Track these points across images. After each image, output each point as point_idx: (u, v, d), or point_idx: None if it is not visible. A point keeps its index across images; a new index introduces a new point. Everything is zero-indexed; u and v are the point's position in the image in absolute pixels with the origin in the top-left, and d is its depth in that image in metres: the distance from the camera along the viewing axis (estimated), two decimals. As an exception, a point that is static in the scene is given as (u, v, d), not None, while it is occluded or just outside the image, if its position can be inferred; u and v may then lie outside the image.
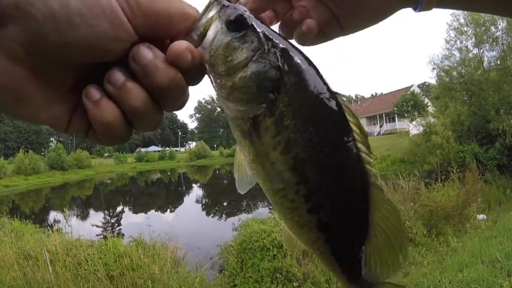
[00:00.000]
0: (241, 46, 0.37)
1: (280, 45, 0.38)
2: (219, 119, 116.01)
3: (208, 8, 0.39)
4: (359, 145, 0.41)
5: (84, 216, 17.53)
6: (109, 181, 39.39)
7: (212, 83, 0.40)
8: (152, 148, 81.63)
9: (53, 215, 17.76)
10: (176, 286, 4.22)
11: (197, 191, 26.48)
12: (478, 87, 16.69)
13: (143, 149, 71.13)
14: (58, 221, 14.17)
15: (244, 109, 0.39)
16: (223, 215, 15.27)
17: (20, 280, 4.37)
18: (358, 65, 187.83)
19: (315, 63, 0.40)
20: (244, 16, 0.38)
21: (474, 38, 17.71)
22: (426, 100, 38.03)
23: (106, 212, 19.00)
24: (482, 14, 16.92)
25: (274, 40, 0.39)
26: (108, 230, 11.39)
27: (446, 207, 6.51)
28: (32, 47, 0.33)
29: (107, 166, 53.14)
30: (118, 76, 0.36)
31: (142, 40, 0.36)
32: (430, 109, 28.93)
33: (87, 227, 9.35)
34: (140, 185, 32.04)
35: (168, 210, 18.05)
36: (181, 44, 0.36)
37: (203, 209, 17.58)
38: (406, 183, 7.45)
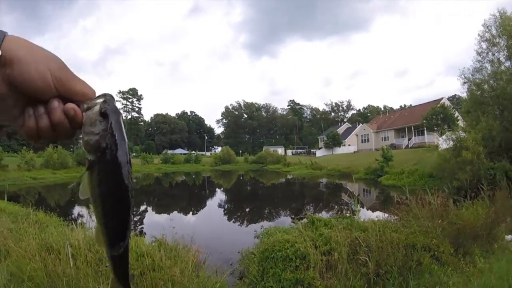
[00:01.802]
0: (99, 124, 0.61)
1: (112, 133, 0.62)
2: (245, 125, 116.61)
3: (99, 97, 0.63)
4: (129, 203, 0.65)
5: (108, 213, 17.82)
6: (134, 180, 39.85)
7: (81, 132, 0.63)
8: (179, 150, 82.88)
9: (77, 209, 18.09)
10: (196, 290, 4.19)
11: (220, 195, 26.57)
12: (510, 101, 16.04)
13: (169, 151, 72.17)
14: (82, 216, 14.42)
15: (86, 154, 0.63)
16: (245, 221, 15.21)
17: (41, 272, 4.40)
18: (386, 76, 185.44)
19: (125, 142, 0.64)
20: (107, 113, 0.61)
21: (506, 50, 17.11)
22: (456, 114, 36.96)
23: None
24: (515, 24, 16.51)
25: (113, 126, 0.62)
26: (131, 228, 11.54)
27: (475, 226, 6.27)
28: (7, 83, 0.58)
29: (134, 165, 53.81)
30: (41, 109, 0.62)
31: (59, 96, 0.61)
32: (461, 123, 28.19)
33: (110, 224, 9.47)
34: (164, 186, 32.45)
35: (191, 212, 18.14)
36: (72, 105, 0.62)
37: (225, 214, 17.57)
38: (434, 199, 7.22)
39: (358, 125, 71.34)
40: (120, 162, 0.61)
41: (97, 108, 0.61)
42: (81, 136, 0.62)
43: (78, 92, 0.61)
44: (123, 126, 0.64)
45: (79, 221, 8.90)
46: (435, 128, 38.22)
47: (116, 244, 0.65)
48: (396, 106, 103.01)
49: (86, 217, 10.40)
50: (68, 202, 21.58)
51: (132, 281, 0.73)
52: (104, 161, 0.61)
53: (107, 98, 0.62)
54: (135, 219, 16.31)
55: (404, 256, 5.08)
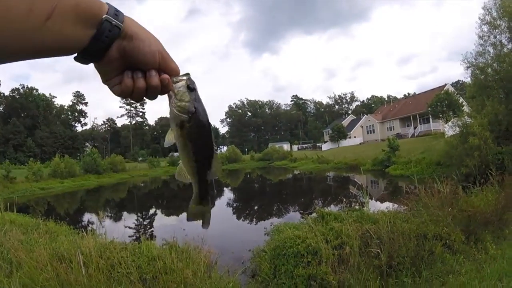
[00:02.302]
0: (186, 95, 0.80)
1: (197, 101, 0.82)
2: (250, 123, 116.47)
3: (184, 75, 0.81)
4: (213, 144, 0.87)
5: (117, 218, 17.90)
6: (142, 185, 40.25)
7: (170, 99, 0.81)
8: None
9: (87, 217, 18.21)
10: (209, 291, 4.18)
11: (228, 194, 26.59)
12: (515, 84, 15.85)
13: (175, 154, 72.43)
14: (92, 223, 14.51)
15: (179, 115, 0.81)
16: (254, 219, 15.20)
17: (53, 281, 4.41)
18: (389, 65, 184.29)
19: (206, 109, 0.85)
20: (192, 87, 0.81)
21: (508, 32, 16.87)
22: (461, 99, 36.62)
23: (139, 214, 19.34)
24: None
25: (196, 97, 0.82)
26: (141, 232, 11.57)
27: (485, 213, 6.21)
28: (121, 52, 0.70)
29: (141, 170, 54.37)
30: (148, 73, 0.75)
31: (158, 69, 0.75)
32: (466, 108, 27.96)
33: (121, 229, 9.52)
34: (173, 189, 32.50)
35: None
36: (167, 76, 0.77)
37: (234, 213, 17.58)
38: (443, 187, 7.16)
39: (363, 116, 71.04)
40: (205, 119, 0.84)
41: (184, 82, 0.81)
42: (172, 101, 0.81)
43: (173, 68, 0.78)
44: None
45: (89, 228, 8.92)
46: (440, 115, 37.95)
47: (205, 172, 0.88)
48: (400, 95, 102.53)
49: (96, 223, 10.47)
50: (77, 210, 21.69)
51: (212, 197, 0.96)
52: (194, 119, 0.82)
53: (189, 77, 0.83)
54: (144, 223, 16.40)
55: (416, 246, 5.05)
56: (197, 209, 0.94)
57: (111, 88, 0.75)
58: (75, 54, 0.69)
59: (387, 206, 10.37)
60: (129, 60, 0.72)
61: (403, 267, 4.76)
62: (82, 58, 0.69)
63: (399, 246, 4.99)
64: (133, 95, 0.76)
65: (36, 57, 0.65)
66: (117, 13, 0.69)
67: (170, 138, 0.85)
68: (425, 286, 4.47)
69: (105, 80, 0.75)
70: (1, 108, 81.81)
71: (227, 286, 4.42)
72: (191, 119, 0.81)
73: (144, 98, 0.79)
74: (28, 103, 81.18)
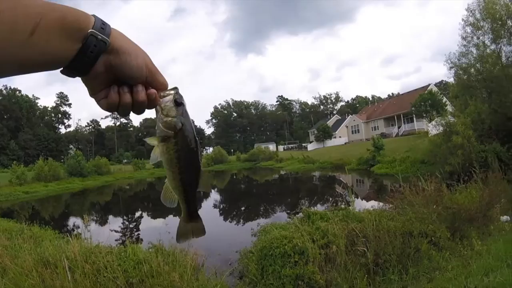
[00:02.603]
0: (173, 110, 0.79)
1: (184, 116, 0.81)
2: (236, 124, 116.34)
3: (171, 89, 0.81)
4: (199, 160, 0.86)
5: (103, 222, 17.68)
6: (127, 187, 39.84)
7: (157, 113, 0.80)
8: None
9: (72, 220, 17.95)
10: (196, 293, 4.17)
11: (214, 196, 26.46)
12: (497, 84, 16.04)
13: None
14: (78, 227, 14.32)
15: (165, 131, 0.80)
16: (241, 220, 15.19)
17: (39, 287, 4.36)
18: (373, 65, 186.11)
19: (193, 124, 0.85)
20: (180, 101, 0.80)
21: (491, 33, 17.14)
22: (444, 99, 37.24)
23: (125, 217, 19.15)
24: (497, 7, 16.58)
25: (184, 112, 0.81)
26: (127, 235, 11.44)
27: (470, 209, 6.32)
28: (107, 66, 0.69)
29: (126, 172, 53.78)
30: (134, 88, 0.75)
31: (145, 84, 0.75)
32: (449, 108, 28.40)
33: (106, 233, 9.37)
34: (158, 191, 31.93)
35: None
36: (154, 91, 0.76)
37: (221, 214, 17.53)
38: (428, 185, 7.26)
39: (348, 116, 71.55)
40: (192, 136, 0.83)
41: (171, 97, 0.80)
42: (158, 116, 0.80)
43: (160, 83, 0.78)
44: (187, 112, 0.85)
45: (75, 232, 8.80)
46: (424, 115, 38.50)
47: (192, 189, 0.87)
48: (384, 95, 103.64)
49: (82, 227, 10.33)
50: (62, 214, 21.36)
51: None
52: (180, 135, 0.81)
53: (178, 91, 0.82)
54: (130, 226, 16.24)
55: (401, 244, 5.12)
56: (188, 227, 0.93)
57: (97, 102, 0.75)
58: (61, 68, 0.68)
59: (372, 204, 10.48)
60: (115, 74, 0.71)
61: (390, 265, 4.82)
62: (68, 72, 0.68)
63: (385, 244, 5.04)
64: (119, 110, 0.75)
65: (21, 72, 0.65)
66: (103, 27, 0.67)
67: (156, 153, 0.84)
68: (412, 283, 4.54)
69: (91, 94, 0.74)
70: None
71: (214, 288, 4.42)
72: (178, 135, 0.81)
73: (134, 112, 0.78)
74: (12, 104, 79.81)
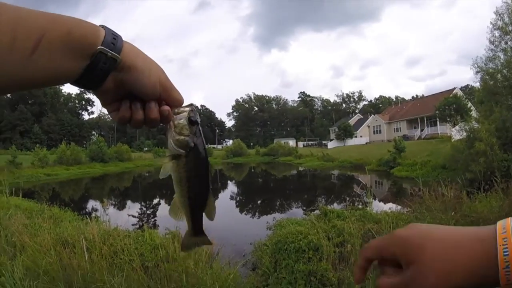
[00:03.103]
0: (186, 128, 0.76)
1: (197, 136, 0.78)
2: (256, 118, 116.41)
3: (186, 106, 0.77)
4: (209, 182, 0.84)
5: (121, 207, 18.01)
6: (147, 174, 40.45)
7: (169, 130, 0.77)
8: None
9: (91, 204, 18.33)
10: (210, 281, 4.19)
11: (232, 188, 26.63)
12: (524, 92, 15.75)
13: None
14: (96, 210, 14.61)
15: (177, 149, 0.77)
16: (257, 213, 15.24)
17: (56, 265, 4.43)
18: (398, 66, 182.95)
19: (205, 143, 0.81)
20: (194, 120, 0.77)
21: (519, 38, 16.76)
22: (470, 104, 36.33)
23: (143, 203, 19.46)
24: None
25: (197, 132, 0.78)
26: (144, 221, 11.65)
27: (488, 219, 6.18)
28: (117, 82, 0.64)
29: (146, 159, 54.57)
30: (147, 105, 0.71)
31: (158, 99, 0.71)
32: (474, 113, 27.78)
33: (124, 217, 9.54)
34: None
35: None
36: (168, 108, 0.72)
37: (237, 206, 17.65)
38: (447, 191, 7.14)
39: (370, 116, 70.68)
40: (203, 156, 0.81)
41: (185, 114, 0.77)
42: (170, 133, 0.78)
43: (175, 99, 0.74)
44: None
45: (93, 215, 8.98)
46: (448, 119, 37.74)
47: (198, 209, 0.85)
48: (408, 97, 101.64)
49: (100, 211, 10.54)
50: (82, 197, 21.82)
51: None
52: (192, 155, 0.79)
53: (193, 108, 0.79)
54: (148, 212, 16.49)
55: (417, 248, 5.05)
56: (192, 241, 0.91)
57: (109, 113, 0.72)
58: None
59: (390, 207, 10.37)
60: (127, 90, 0.67)
61: (404, 268, 4.77)
62: (76, 85, 0.64)
63: (400, 247, 4.99)
64: (131, 124, 0.72)
65: (22, 90, 0.61)
66: (114, 42, 0.61)
67: (167, 170, 0.81)
68: None
69: (103, 105, 0.71)
70: (8, 95, 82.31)
71: (227, 278, 4.44)
72: (189, 155, 0.79)
73: (147, 127, 0.76)
74: (36, 90, 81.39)
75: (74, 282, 4.21)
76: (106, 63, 0.60)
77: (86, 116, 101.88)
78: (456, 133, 21.65)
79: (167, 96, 0.72)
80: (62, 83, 0.63)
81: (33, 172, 31.48)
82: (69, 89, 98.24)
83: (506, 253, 0.47)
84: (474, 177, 13.91)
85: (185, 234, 0.90)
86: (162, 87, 0.69)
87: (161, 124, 0.76)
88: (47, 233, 5.32)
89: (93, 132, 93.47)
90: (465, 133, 18.12)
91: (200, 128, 0.81)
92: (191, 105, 0.79)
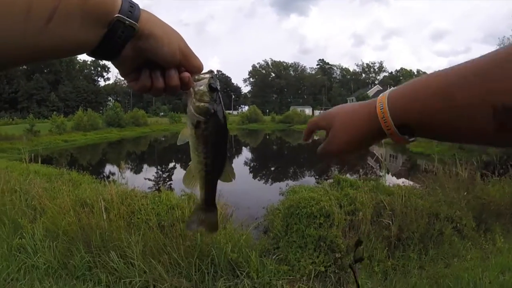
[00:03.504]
0: (207, 95, 0.76)
1: (217, 103, 0.78)
2: (273, 84, 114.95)
3: (207, 72, 0.77)
4: (226, 150, 0.84)
5: (138, 170, 18.38)
6: (163, 139, 40.96)
7: (189, 97, 0.77)
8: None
9: (109, 168, 18.74)
10: (223, 241, 4.32)
11: (246, 154, 26.81)
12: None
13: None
14: (114, 174, 14.97)
15: (197, 116, 0.77)
16: (270, 180, 15.42)
17: (75, 225, 4.61)
18: (422, 38, 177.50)
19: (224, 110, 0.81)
20: (214, 86, 0.77)
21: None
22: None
23: (159, 167, 19.79)
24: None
25: (217, 98, 0.78)
26: (160, 184, 11.88)
27: (499, 204, 6.13)
28: (136, 51, 0.64)
29: (162, 124, 55.02)
30: (167, 72, 0.71)
31: (178, 66, 0.71)
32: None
33: (141, 181, 9.77)
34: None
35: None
36: (188, 74, 0.72)
37: (251, 172, 17.84)
38: (462, 171, 7.10)
39: (390, 88, 69.28)
40: (222, 124, 0.80)
41: (206, 81, 0.76)
42: (190, 100, 0.78)
43: (195, 66, 0.73)
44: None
45: (111, 178, 9.20)
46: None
47: (214, 178, 0.84)
48: (430, 71, 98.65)
49: (117, 174, 10.79)
50: (99, 162, 22.27)
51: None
52: (211, 122, 0.78)
53: (213, 75, 0.78)
54: (164, 175, 16.79)
55: (426, 224, 5.09)
56: (201, 217, 0.89)
57: (128, 83, 0.72)
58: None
59: (403, 181, 10.37)
60: (146, 58, 0.67)
61: (411, 242, 4.82)
62: (93, 56, 0.63)
63: (411, 221, 5.03)
64: (152, 93, 0.73)
65: (37, 61, 0.58)
66: (131, 10, 0.60)
67: (185, 136, 0.82)
68: (429, 265, 4.54)
69: (122, 75, 0.71)
70: (24, 65, 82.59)
71: (240, 238, 4.56)
72: (208, 122, 0.78)
73: (167, 95, 0.76)
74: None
75: (92, 241, 4.39)
76: (124, 32, 0.59)
77: (102, 83, 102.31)
78: (476, 113, 21.13)
79: (187, 63, 0.72)
80: (79, 53, 0.61)
81: (51, 139, 31.91)
82: (84, 56, 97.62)
83: (381, 108, 0.66)
84: (490, 160, 13.73)
85: (195, 208, 0.90)
86: (182, 54, 0.69)
87: (182, 90, 0.76)
88: (66, 195, 5.44)
89: (110, 98, 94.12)
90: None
91: (220, 95, 0.80)
92: (211, 72, 0.79)
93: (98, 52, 0.60)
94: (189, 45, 0.72)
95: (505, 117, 0.44)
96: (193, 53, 0.73)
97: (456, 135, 0.58)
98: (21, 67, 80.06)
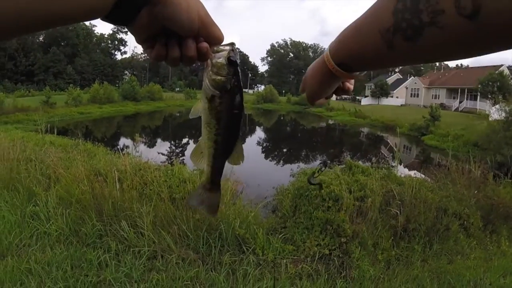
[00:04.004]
0: (225, 68, 0.72)
1: (235, 78, 0.74)
2: (291, 65, 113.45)
3: (227, 44, 0.73)
4: (239, 129, 0.81)
5: (151, 144, 18.62)
6: (178, 114, 41.22)
7: (206, 69, 0.74)
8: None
9: (123, 141, 18.98)
10: (232, 216, 4.40)
11: (259, 133, 26.86)
12: None
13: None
14: (128, 147, 15.17)
15: (212, 90, 0.74)
16: (282, 161, 15.50)
17: (88, 194, 4.70)
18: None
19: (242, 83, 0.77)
20: (234, 60, 0.72)
21: None
22: (514, 85, 34.39)
23: (172, 142, 19.98)
24: None
25: (235, 73, 0.74)
26: (173, 159, 12.04)
27: (509, 206, 6.03)
28: (152, 17, 0.59)
29: (178, 100, 55.17)
30: (184, 42, 0.66)
31: (196, 35, 0.66)
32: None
33: (154, 154, 9.88)
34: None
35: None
36: (206, 45, 0.68)
37: (263, 152, 17.95)
38: (475, 169, 7.03)
39: (410, 77, 67.71)
40: (238, 101, 0.76)
41: (225, 54, 0.72)
42: (207, 72, 0.74)
43: (215, 36, 0.69)
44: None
45: (124, 151, 9.33)
46: (489, 96, 35.96)
47: (222, 156, 0.82)
48: (452, 64, 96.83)
49: (131, 147, 10.93)
50: (114, 134, 22.55)
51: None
52: (226, 97, 0.74)
53: (234, 47, 0.73)
54: (177, 150, 16.96)
55: (434, 217, 5.08)
56: (203, 196, 0.86)
57: (144, 50, 0.69)
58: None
59: (414, 173, 10.32)
60: (162, 26, 0.63)
61: (417, 234, 4.81)
62: (108, 21, 0.59)
63: (419, 212, 5.01)
64: (167, 62, 0.70)
65: (50, 27, 0.53)
66: None
67: (198, 109, 0.79)
68: (432, 259, 4.54)
69: (138, 41, 0.68)
70: (41, 38, 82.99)
71: (248, 215, 4.63)
72: (223, 97, 0.75)
73: (184, 64, 0.73)
74: (68, 32, 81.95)
75: (104, 210, 4.50)
76: None
77: (118, 56, 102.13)
78: (495, 112, 20.86)
79: (206, 33, 0.68)
80: (93, 18, 0.56)
81: (67, 111, 32.42)
82: (101, 29, 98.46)
83: (326, 51, 0.75)
84: (504, 161, 13.58)
85: (199, 186, 0.87)
86: (201, 23, 0.65)
87: (199, 61, 0.72)
88: (81, 165, 5.51)
89: (126, 72, 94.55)
90: (504, 114, 17.46)
91: (239, 70, 0.76)
92: (232, 44, 0.74)
93: (112, 17, 0.57)
94: (210, 14, 0.68)
95: (387, 37, 0.54)
96: (213, 22, 0.69)
97: (369, 61, 0.67)
98: (37, 39, 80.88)
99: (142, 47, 0.69)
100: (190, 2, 0.62)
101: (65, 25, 0.55)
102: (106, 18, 0.57)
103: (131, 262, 3.78)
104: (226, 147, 0.80)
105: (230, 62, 0.73)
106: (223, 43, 0.72)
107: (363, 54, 0.65)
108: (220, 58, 0.72)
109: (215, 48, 0.72)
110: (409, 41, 0.51)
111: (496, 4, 0.41)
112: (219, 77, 0.73)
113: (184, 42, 0.66)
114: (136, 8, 0.57)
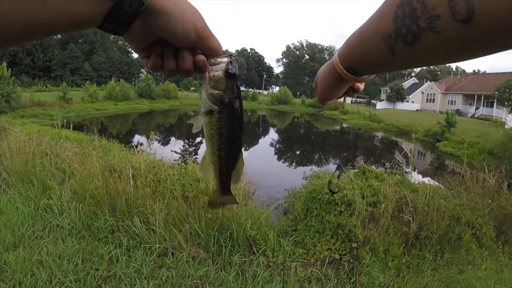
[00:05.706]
0: (223, 81, 0.70)
1: (234, 91, 0.72)
2: (306, 66, 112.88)
3: (225, 56, 0.70)
4: (240, 143, 0.81)
5: (165, 142, 18.73)
6: (192, 113, 41.31)
7: (204, 82, 0.72)
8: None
9: (138, 138, 19.15)
10: (244, 217, 4.41)
11: (273, 135, 26.83)
12: None
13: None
14: (142, 144, 15.30)
15: (210, 104, 0.72)
16: (294, 163, 15.44)
17: (102, 189, 4.74)
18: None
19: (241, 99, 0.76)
20: (232, 73, 0.70)
21: None
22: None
23: (186, 141, 20.10)
24: None
25: (234, 86, 0.72)
26: (187, 157, 12.13)
27: None
28: (146, 27, 0.59)
29: (192, 99, 55.47)
30: (180, 53, 0.66)
31: (193, 47, 0.65)
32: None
33: (168, 153, 9.95)
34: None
35: (243, 148, 18.65)
36: (203, 57, 0.67)
37: (276, 153, 17.91)
38: (490, 178, 6.92)
39: (426, 82, 66.84)
40: (238, 114, 0.75)
41: (223, 66, 0.70)
42: (205, 86, 0.72)
43: (212, 49, 0.67)
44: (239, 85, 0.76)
45: (139, 148, 9.42)
46: (506, 103, 35.26)
47: (227, 168, 0.81)
48: (469, 70, 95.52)
49: (145, 144, 11.03)
50: (129, 131, 22.77)
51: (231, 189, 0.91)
52: (225, 112, 0.73)
53: (232, 59, 0.71)
54: (191, 149, 17.06)
55: (447, 226, 5.01)
56: (220, 200, 0.88)
57: (141, 59, 0.68)
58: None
59: (428, 180, 10.21)
60: (158, 36, 0.62)
61: (429, 243, 4.75)
62: (101, 29, 0.57)
63: (431, 220, 4.95)
64: (164, 72, 0.68)
65: (38, 38, 0.52)
66: None
67: (199, 124, 0.76)
68: (443, 268, 4.49)
69: (135, 50, 0.67)
70: (59, 35, 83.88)
71: (260, 216, 4.63)
72: (222, 111, 0.73)
73: (180, 75, 0.71)
74: (87, 30, 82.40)
75: (117, 206, 4.55)
76: (131, 6, 0.53)
77: (135, 55, 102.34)
78: (511, 120, 20.43)
79: (203, 45, 0.66)
80: (85, 28, 0.55)
81: (83, 106, 32.79)
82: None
83: (335, 56, 0.76)
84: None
85: (213, 192, 0.89)
86: (198, 35, 0.63)
87: (197, 73, 0.70)
88: (96, 160, 5.55)
89: (142, 70, 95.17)
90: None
91: (238, 83, 0.74)
92: (230, 55, 0.71)
93: (104, 27, 0.56)
94: (220, 19, 0.70)
95: (390, 42, 0.56)
96: (211, 34, 0.66)
97: (374, 66, 0.68)
98: (55, 36, 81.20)
99: (139, 56, 0.68)
100: (185, 13, 0.60)
101: (53, 34, 0.53)
102: (99, 28, 0.56)
103: (142, 258, 3.83)
104: (229, 161, 0.80)
105: (228, 74, 0.70)
106: (223, 54, 0.70)
107: (368, 59, 0.67)
108: (218, 71, 0.70)
109: (212, 60, 0.69)
110: (409, 46, 0.53)
111: (488, 8, 0.42)
112: (216, 91, 0.71)
113: (180, 54, 0.66)
114: (128, 18, 0.55)
